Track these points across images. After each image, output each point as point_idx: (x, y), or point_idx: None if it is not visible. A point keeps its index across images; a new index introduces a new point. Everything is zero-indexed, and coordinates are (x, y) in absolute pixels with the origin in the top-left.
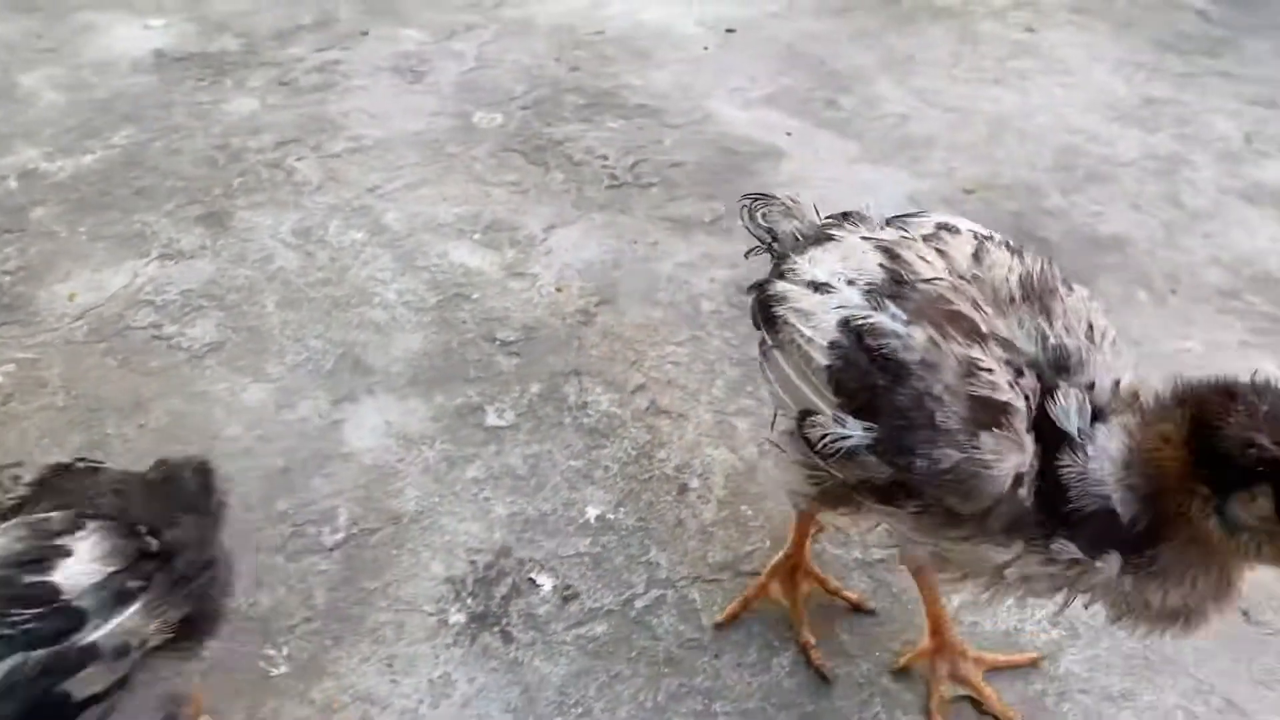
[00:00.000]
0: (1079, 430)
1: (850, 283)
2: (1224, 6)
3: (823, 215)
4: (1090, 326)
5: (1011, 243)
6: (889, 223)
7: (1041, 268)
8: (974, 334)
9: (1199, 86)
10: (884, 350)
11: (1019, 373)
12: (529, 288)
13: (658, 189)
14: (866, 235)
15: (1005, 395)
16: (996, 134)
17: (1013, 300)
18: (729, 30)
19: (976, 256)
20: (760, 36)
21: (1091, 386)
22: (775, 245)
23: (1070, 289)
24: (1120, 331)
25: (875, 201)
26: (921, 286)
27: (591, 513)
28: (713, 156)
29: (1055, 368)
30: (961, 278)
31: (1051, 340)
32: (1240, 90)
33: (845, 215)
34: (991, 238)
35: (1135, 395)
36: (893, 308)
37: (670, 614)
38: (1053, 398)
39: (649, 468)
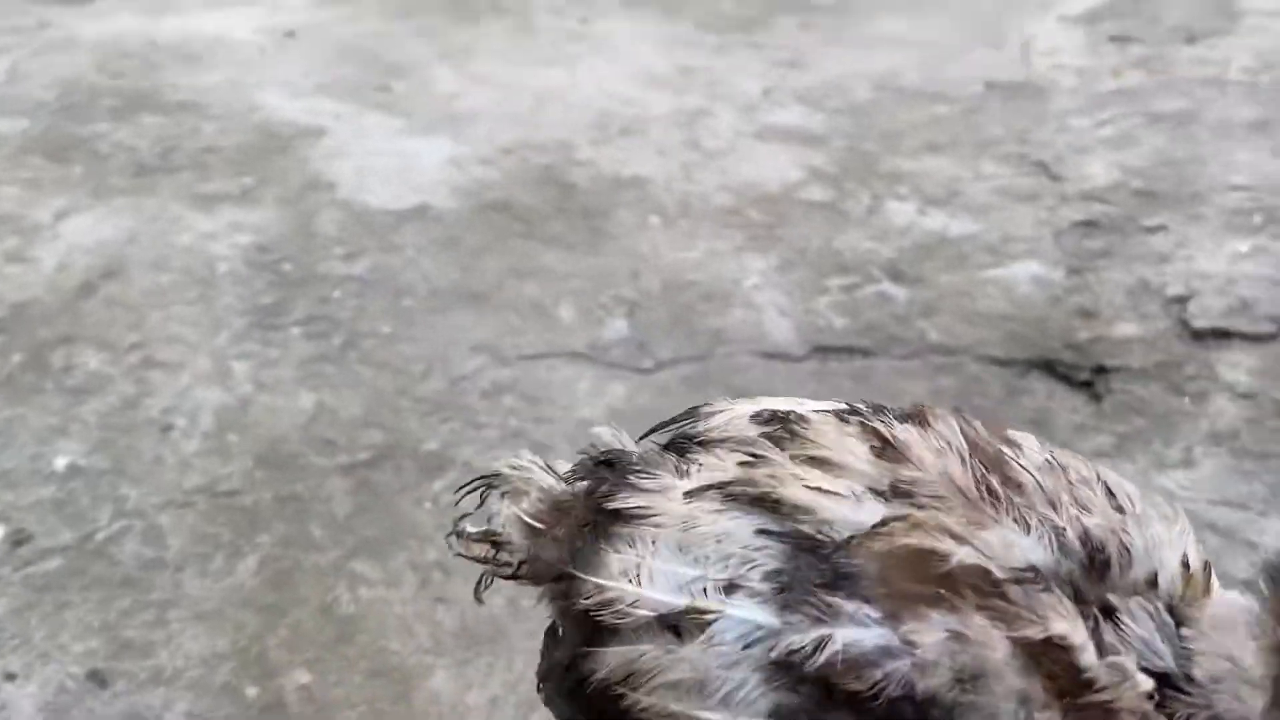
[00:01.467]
0: (1179, 661)
1: (731, 588)
2: None
3: (570, 470)
4: (1101, 486)
5: (887, 406)
6: (674, 451)
7: (963, 427)
8: (992, 591)
9: (730, 56)
10: (885, 690)
11: (1094, 618)
12: (27, 271)
13: (188, 172)
14: (692, 489)
15: (1127, 676)
16: (541, 104)
17: (990, 494)
18: (288, 34)
19: (884, 449)
20: (321, 38)
21: (1154, 582)
22: (524, 566)
23: (1006, 438)
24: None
25: (414, 172)
26: (860, 545)
27: (61, 462)
28: (252, 140)
29: (1093, 572)
30: (889, 495)
31: (1070, 532)
32: (765, 56)
33: (607, 463)
34: (857, 410)
35: (1208, 570)
36: (847, 604)
37: (134, 541)
38: (1114, 626)
39: (133, 416)
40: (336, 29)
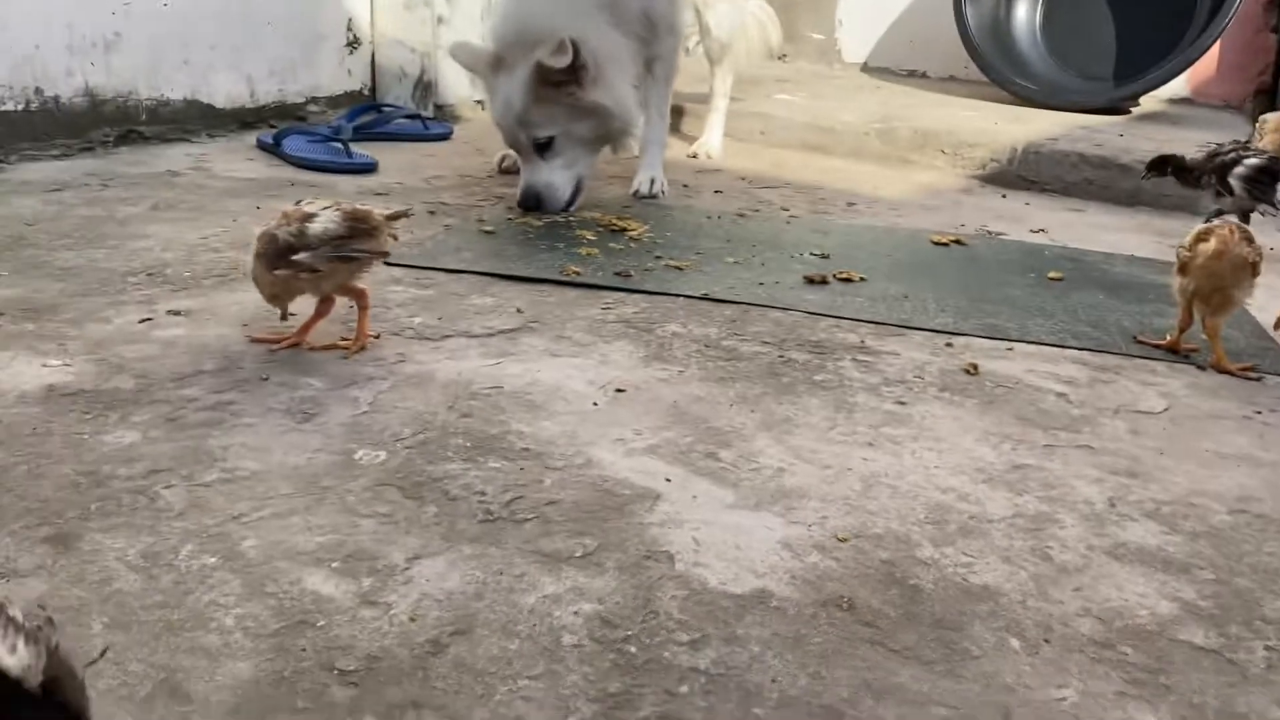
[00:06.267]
0: None
1: None
2: (1081, 389)
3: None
4: None
5: None
6: None
7: None
8: None
9: (1062, 457)
10: None
11: None
12: (380, 616)
13: (532, 524)
14: None
15: None
16: (869, 489)
17: None
18: (619, 390)
19: None
20: (648, 397)
21: None
22: None
23: None
24: (991, 679)
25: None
26: None
27: None
28: (590, 497)
29: None
30: None
31: None
32: (1100, 461)
33: None
34: None
35: None
36: None
37: None
38: None
39: None
40: (661, 389)
